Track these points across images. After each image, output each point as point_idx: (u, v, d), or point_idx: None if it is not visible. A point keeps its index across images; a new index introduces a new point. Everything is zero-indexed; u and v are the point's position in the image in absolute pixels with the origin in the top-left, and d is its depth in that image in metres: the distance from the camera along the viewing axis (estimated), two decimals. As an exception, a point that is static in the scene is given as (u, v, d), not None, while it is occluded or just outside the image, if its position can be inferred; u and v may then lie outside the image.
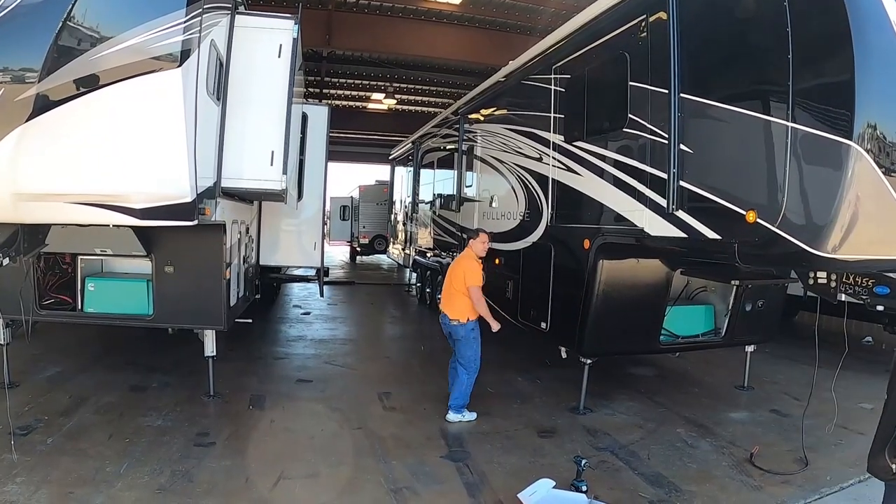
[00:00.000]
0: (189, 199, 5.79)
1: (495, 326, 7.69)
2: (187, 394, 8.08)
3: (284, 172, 7.40)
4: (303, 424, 7.34)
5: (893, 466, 3.31)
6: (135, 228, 6.69)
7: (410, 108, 29.12)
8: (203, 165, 6.18)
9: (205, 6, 5.91)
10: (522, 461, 6.54)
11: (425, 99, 27.74)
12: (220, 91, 6.91)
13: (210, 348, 7.93)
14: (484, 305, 7.61)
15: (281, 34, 7.55)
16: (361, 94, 27.70)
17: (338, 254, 36.28)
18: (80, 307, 7.98)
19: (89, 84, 5.15)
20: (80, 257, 8.00)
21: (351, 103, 29.29)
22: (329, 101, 27.68)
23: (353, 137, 32.48)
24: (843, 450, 7.08)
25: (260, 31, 7.50)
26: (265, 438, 6.87)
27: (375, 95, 27.38)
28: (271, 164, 7.33)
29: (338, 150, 32.60)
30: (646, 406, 8.45)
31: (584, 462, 5.46)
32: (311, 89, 25.45)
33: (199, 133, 5.90)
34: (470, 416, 7.59)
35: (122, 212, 5.50)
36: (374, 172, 34.99)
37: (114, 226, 6.06)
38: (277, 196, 7.92)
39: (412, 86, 25.85)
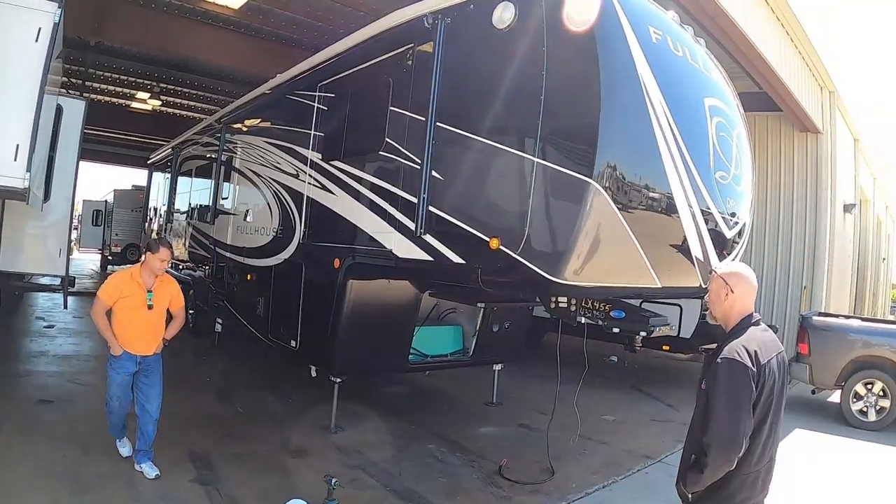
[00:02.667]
0: None
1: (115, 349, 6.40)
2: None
3: (29, 169, 6.71)
4: (44, 449, 6.81)
5: (689, 495, 3.53)
6: None
7: (176, 111, 27.83)
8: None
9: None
10: (273, 482, 6.52)
11: (192, 104, 26.65)
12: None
13: None
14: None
15: (41, 16, 6.77)
16: (126, 90, 26.04)
17: (88, 262, 33.94)
18: None
19: None
20: None
21: (114, 100, 27.44)
22: (90, 95, 25.89)
23: (113, 137, 30.52)
24: (588, 458, 7.78)
25: (17, 10, 6.75)
26: (1, 466, 6.30)
27: (140, 94, 25.86)
28: (15, 160, 6.57)
29: (95, 149, 30.67)
30: (398, 424, 8.68)
31: (334, 481, 5.50)
32: (72, 80, 23.66)
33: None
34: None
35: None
36: (132, 176, 33.17)
37: None
38: (19, 195, 7.13)
39: (180, 88, 24.69)
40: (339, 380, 7.95)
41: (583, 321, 6.23)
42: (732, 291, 3.64)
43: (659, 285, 5.71)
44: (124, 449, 6.80)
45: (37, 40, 6.80)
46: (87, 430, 7.51)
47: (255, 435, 7.85)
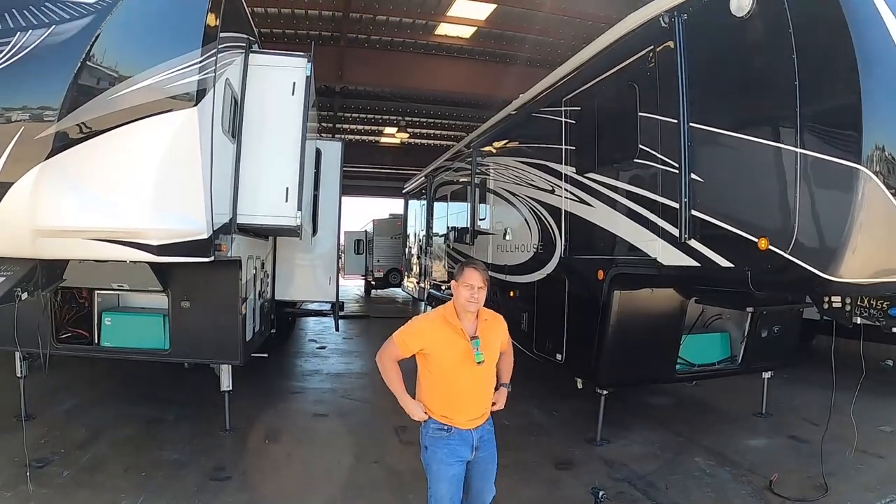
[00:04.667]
0: (205, 236, 5.86)
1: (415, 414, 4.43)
2: (204, 427, 8.09)
3: (299, 209, 7.49)
4: (320, 458, 7.34)
5: None
6: (151, 264, 6.70)
7: (422, 141, 29.30)
8: (219, 202, 6.26)
9: (219, 46, 6.02)
10: (539, 493, 6.51)
11: (437, 132, 27.91)
12: (235, 129, 7.02)
13: (226, 383, 7.95)
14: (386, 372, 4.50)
15: (294, 72, 7.66)
16: (374, 128, 27.94)
17: (353, 287, 36.31)
18: (96, 341, 8.02)
19: (108, 123, 5.20)
20: (96, 292, 8.05)
21: (364, 137, 29.52)
22: (342, 136, 27.87)
23: (367, 171, 32.67)
24: (863, 474, 7.04)
25: (273, 70, 7.63)
26: (282, 472, 6.87)
27: (388, 129, 27.60)
28: (286, 201, 7.40)
29: (352, 185, 32.77)
30: (663, 435, 8.37)
31: (601, 493, 5.45)
32: (324, 124, 25.64)
33: (214, 170, 5.97)
34: None
35: (140, 248, 5.54)
36: (388, 206, 35.19)
37: (130, 262, 6.10)
38: (293, 232, 7.99)
39: (424, 119, 26.04)
40: (605, 392, 7.82)
41: (859, 321, 5.74)
42: None
43: None
44: None
45: (293, 94, 7.59)
46: (361, 440, 7.99)
47: (521, 445, 7.88)
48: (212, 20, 5.88)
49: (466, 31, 16.84)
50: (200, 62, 5.58)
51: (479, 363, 4.23)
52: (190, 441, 7.59)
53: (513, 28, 16.46)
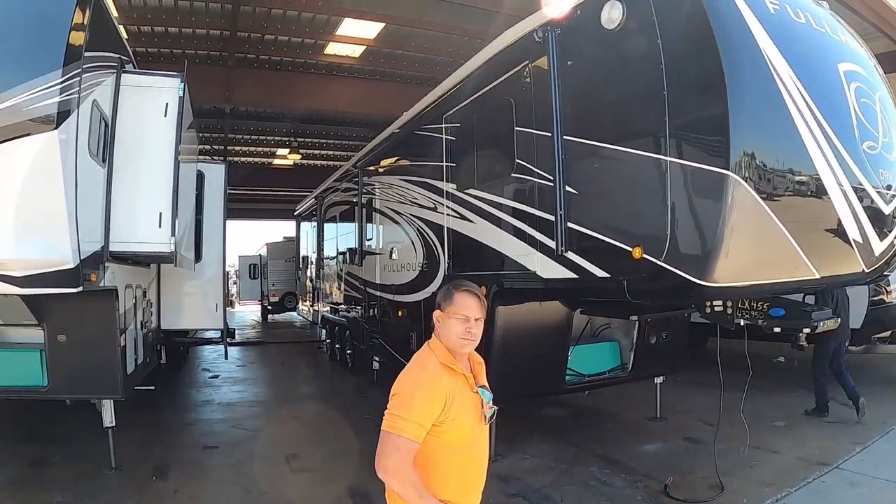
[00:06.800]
0: (72, 265, 5.62)
1: None
2: (90, 466, 7.70)
3: (173, 234, 7.23)
4: (208, 493, 7.09)
5: None
6: (22, 296, 6.39)
7: (315, 162, 29.01)
8: (87, 230, 6.00)
9: (84, 66, 5.75)
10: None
11: (329, 153, 27.72)
12: (105, 152, 6.73)
13: (109, 419, 7.59)
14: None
15: (167, 92, 7.41)
16: (266, 149, 27.51)
17: (249, 313, 35.64)
18: None
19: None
20: None
21: (256, 159, 29.06)
22: (234, 158, 27.40)
23: (260, 194, 32.19)
24: (759, 470, 7.30)
25: (146, 90, 7.35)
26: None
27: (280, 151, 27.22)
28: (159, 227, 7.14)
29: (244, 208, 32.39)
30: (558, 447, 8.45)
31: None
32: (214, 146, 25.13)
33: (80, 196, 5.72)
34: None
35: (2, 280, 5.33)
36: (282, 229, 34.70)
37: (5, 294, 5.82)
38: (167, 259, 7.65)
39: (316, 140, 25.81)
40: (495, 407, 7.75)
41: (742, 323, 5.93)
42: None
43: (817, 276, 5.21)
44: None
45: (165, 115, 7.37)
46: (251, 471, 7.79)
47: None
48: (75, 39, 5.64)
49: (356, 51, 16.73)
50: (62, 83, 5.38)
51: (490, 419, 3.20)
52: (76, 482, 7.23)
53: (399, 47, 16.51)
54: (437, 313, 3.21)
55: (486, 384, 3.28)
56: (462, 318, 3.08)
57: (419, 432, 2.86)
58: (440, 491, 2.94)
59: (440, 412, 2.92)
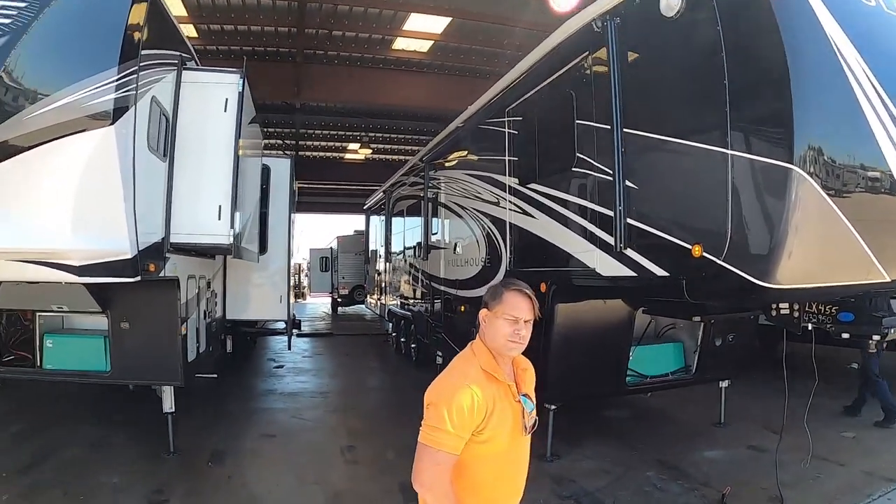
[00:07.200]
0: (129, 256, 5.75)
1: None
2: (148, 450, 7.89)
3: (232, 227, 7.34)
4: (260, 480, 7.17)
5: None
6: (87, 285, 6.58)
7: (385, 156, 29.19)
8: (146, 221, 6.12)
9: (141, 63, 5.87)
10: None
11: (399, 147, 27.85)
12: (166, 146, 6.87)
13: (168, 404, 7.75)
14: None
15: (226, 88, 7.53)
16: (338, 144, 27.80)
17: (320, 305, 36.09)
18: (39, 364, 7.87)
19: (24, 143, 5.13)
20: (38, 314, 7.91)
21: (328, 154, 29.39)
22: (305, 153, 27.80)
23: (332, 187, 32.57)
24: (822, 484, 6.93)
25: (206, 87, 7.49)
26: (220, 495, 6.75)
27: (351, 145, 27.50)
28: (219, 219, 7.25)
29: (316, 201, 32.90)
30: (617, 449, 8.24)
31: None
32: (285, 141, 25.55)
33: (139, 189, 5.85)
34: None
35: (61, 269, 5.49)
36: (354, 222, 35.04)
37: (65, 283, 5.94)
38: (226, 250, 7.80)
39: (386, 134, 25.99)
40: (553, 406, 7.66)
41: (809, 328, 5.64)
42: None
43: (888, 279, 4.87)
44: None
45: (225, 110, 7.47)
46: (304, 461, 7.86)
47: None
48: (131, 38, 5.77)
49: (424, 45, 16.79)
50: (118, 80, 5.48)
51: (531, 429, 2.98)
52: (133, 464, 7.42)
53: (465, 41, 16.45)
54: (483, 312, 3.06)
55: (530, 392, 3.08)
56: (511, 319, 2.92)
57: (458, 444, 2.74)
58: (468, 503, 2.82)
59: (479, 423, 2.78)
